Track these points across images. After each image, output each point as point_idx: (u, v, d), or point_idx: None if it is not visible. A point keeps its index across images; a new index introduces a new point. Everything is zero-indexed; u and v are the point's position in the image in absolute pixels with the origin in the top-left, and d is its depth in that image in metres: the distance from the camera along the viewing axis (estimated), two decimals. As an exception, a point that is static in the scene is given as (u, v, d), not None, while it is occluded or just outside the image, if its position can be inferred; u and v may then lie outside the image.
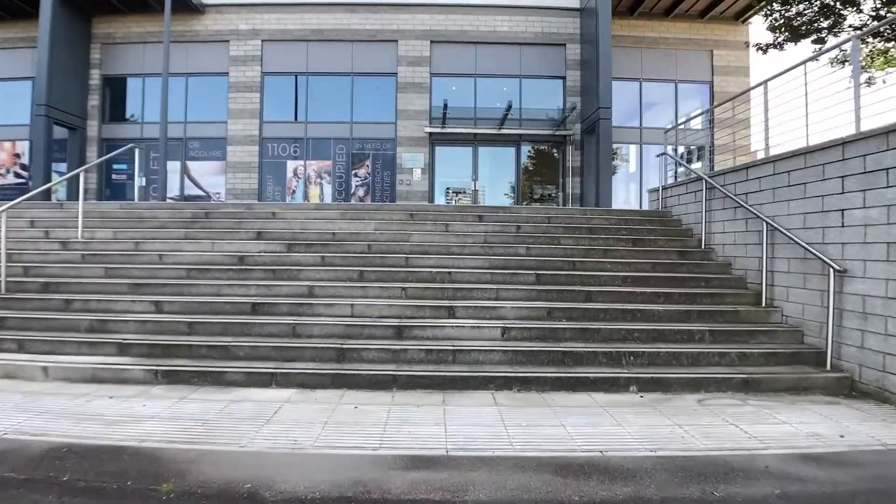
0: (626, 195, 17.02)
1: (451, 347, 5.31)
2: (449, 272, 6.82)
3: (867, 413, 4.56)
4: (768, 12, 11.52)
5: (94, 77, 16.51)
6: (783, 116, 6.97)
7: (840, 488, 3.12)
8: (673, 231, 8.58)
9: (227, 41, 16.08)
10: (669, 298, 6.59)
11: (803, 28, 10.36)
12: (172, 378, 4.96)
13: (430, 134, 15.93)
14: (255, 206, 8.98)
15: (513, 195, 16.51)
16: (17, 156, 16.64)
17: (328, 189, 15.94)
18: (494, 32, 16.22)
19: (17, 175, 16.56)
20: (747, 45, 16.03)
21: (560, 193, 16.60)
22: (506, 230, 8.22)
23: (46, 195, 14.78)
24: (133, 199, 13.95)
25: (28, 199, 7.43)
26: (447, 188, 16.45)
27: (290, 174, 16.03)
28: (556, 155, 16.89)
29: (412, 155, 15.88)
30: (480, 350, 5.30)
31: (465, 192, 16.43)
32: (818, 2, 10.27)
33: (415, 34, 16.07)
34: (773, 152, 6.98)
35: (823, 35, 10.48)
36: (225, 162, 15.93)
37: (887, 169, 4.96)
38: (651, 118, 16.85)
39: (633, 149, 17.12)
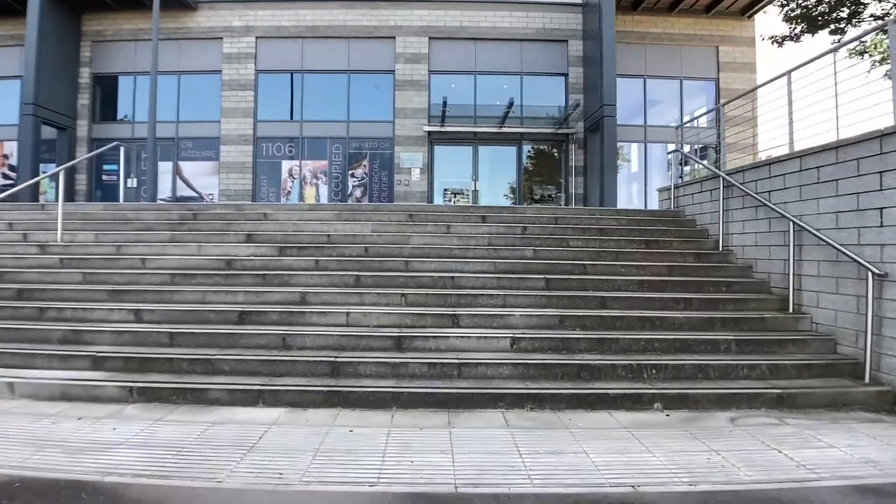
0: (628, 195, 16.56)
1: (456, 360, 4.83)
2: (452, 277, 6.35)
3: (921, 434, 4.11)
4: (784, 2, 11.08)
5: (84, 75, 16.05)
6: (808, 109, 6.53)
7: (920, 534, 2.66)
8: (687, 232, 8.13)
9: (221, 38, 15.63)
10: (690, 305, 6.13)
11: (821, 18, 9.91)
12: (149, 396, 4.49)
13: (429, 133, 15.47)
14: (245, 207, 8.51)
15: (514, 196, 16.05)
16: (6, 157, 16.15)
17: (324, 190, 15.47)
18: (495, 28, 15.79)
19: (5, 176, 16.06)
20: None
21: (562, 194, 16.14)
22: (511, 232, 7.76)
23: (34, 196, 14.35)
24: (119, 200, 13.39)
25: (3, 200, 6.94)
26: (445, 189, 15.96)
27: (285, 174, 15.56)
28: (558, 154, 16.45)
29: (410, 154, 15.43)
30: (488, 363, 4.83)
31: (463, 193, 15.93)
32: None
33: (413, 30, 15.62)
34: (795, 148, 6.55)
35: (842, 25, 10.04)
36: (218, 162, 15.47)
37: (937, 163, 4.51)
38: (655, 116, 16.44)
39: (636, 147, 16.65)
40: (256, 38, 15.58)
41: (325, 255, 6.90)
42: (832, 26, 10.31)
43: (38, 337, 5.31)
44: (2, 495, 2.93)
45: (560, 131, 15.77)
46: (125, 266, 6.69)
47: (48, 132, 15.21)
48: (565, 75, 16.07)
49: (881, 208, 5.02)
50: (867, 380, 4.96)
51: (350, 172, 15.62)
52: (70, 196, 15.45)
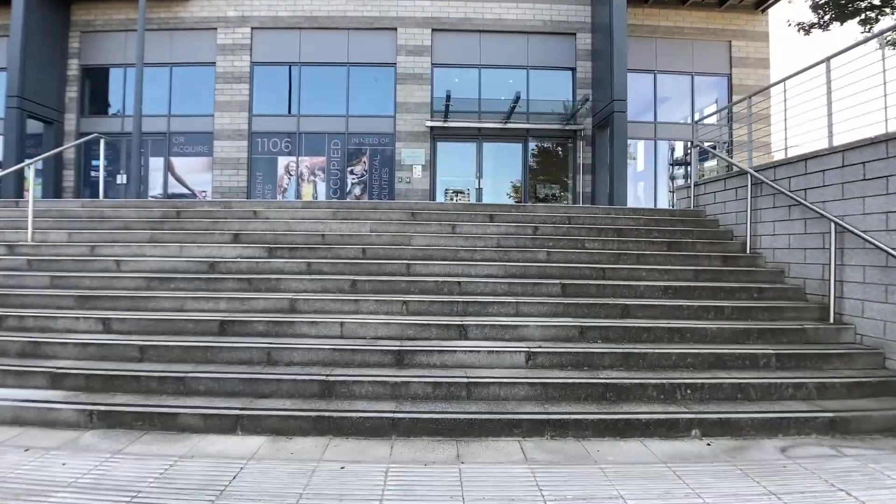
0: (634, 194, 15.94)
1: (465, 379, 4.24)
2: (458, 282, 5.75)
3: None
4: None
5: (73, 67, 15.41)
6: (845, 101, 5.95)
7: None
8: (711, 233, 7.53)
9: (215, 29, 15.00)
10: (720, 313, 5.53)
11: (850, 5, 9.31)
12: (111, 421, 3.89)
13: (432, 128, 14.86)
14: (234, 205, 7.90)
15: (518, 194, 15.43)
16: (-9, 152, 15.52)
17: (322, 187, 14.86)
18: (500, 20, 15.16)
19: (-10, 172, 15.43)
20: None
21: (569, 193, 15.54)
22: (521, 232, 7.15)
23: (19, 192, 13.74)
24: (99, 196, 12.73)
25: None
26: (446, 189, 15.32)
27: (281, 171, 14.94)
28: (564, 151, 15.84)
29: (412, 151, 14.82)
30: (501, 382, 4.23)
31: (464, 193, 15.29)
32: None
33: (415, 21, 15.00)
34: (835, 142, 5.95)
35: (874, 14, 9.45)
36: (211, 158, 14.84)
37: None
38: (665, 112, 15.83)
39: (642, 145, 16.04)
40: (252, 28, 14.96)
41: (319, 258, 6.30)
42: (862, 15, 9.70)
43: (-6, 349, 4.72)
44: None
45: (567, 127, 15.16)
46: (98, 269, 6.09)
47: (34, 126, 14.57)
48: (573, 69, 15.46)
49: (946, 208, 4.44)
50: (929, 401, 4.37)
51: (349, 169, 15.01)
52: (57, 193, 14.90)
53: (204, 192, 14.80)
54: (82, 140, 9.82)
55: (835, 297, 5.53)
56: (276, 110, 15.06)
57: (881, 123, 5.53)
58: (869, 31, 9.44)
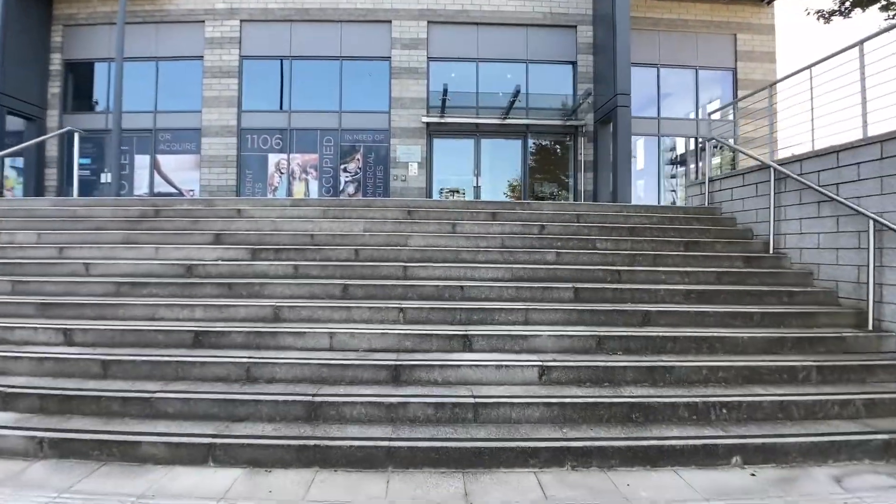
0: (634, 192, 15.44)
1: (471, 399, 3.71)
2: (460, 286, 5.22)
3: None
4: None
5: (55, 62, 14.81)
6: (878, 90, 5.47)
7: None
8: (729, 232, 7.04)
9: (202, 21, 14.42)
10: (749, 320, 5.03)
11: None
12: (63, 450, 3.36)
13: (428, 124, 14.32)
14: (217, 203, 7.34)
15: (517, 193, 14.89)
16: (-31, 150, 14.91)
17: (314, 185, 14.29)
18: (498, 12, 14.64)
19: (-32, 171, 14.84)
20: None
21: (569, 193, 15.02)
22: (527, 231, 6.63)
23: (-2, 192, 13.17)
24: (73, 195, 12.13)
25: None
26: (441, 189, 14.75)
27: (272, 169, 14.37)
28: (563, 149, 15.31)
29: (408, 147, 14.27)
30: (512, 402, 3.70)
31: (460, 193, 14.72)
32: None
33: (410, 14, 14.46)
34: (870, 132, 5.47)
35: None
36: (199, 155, 14.26)
37: None
38: (669, 108, 15.35)
39: (642, 142, 15.53)
40: (241, 21, 14.39)
41: (307, 260, 5.76)
42: (883, 1, 9.24)
43: (-60, 364, 4.17)
44: None
45: (568, 123, 14.65)
46: (65, 273, 5.54)
47: (15, 123, 13.97)
48: (574, 63, 14.95)
49: None
50: None
51: (342, 167, 14.45)
52: (39, 192, 14.32)
53: (192, 190, 14.22)
54: (54, 134, 9.20)
55: (873, 301, 5.04)
56: (266, 106, 14.49)
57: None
58: (893, 18, 8.96)
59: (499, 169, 15.22)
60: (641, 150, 15.77)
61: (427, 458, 3.27)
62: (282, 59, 14.57)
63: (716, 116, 10.21)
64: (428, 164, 14.49)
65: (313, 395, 3.68)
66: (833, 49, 6.22)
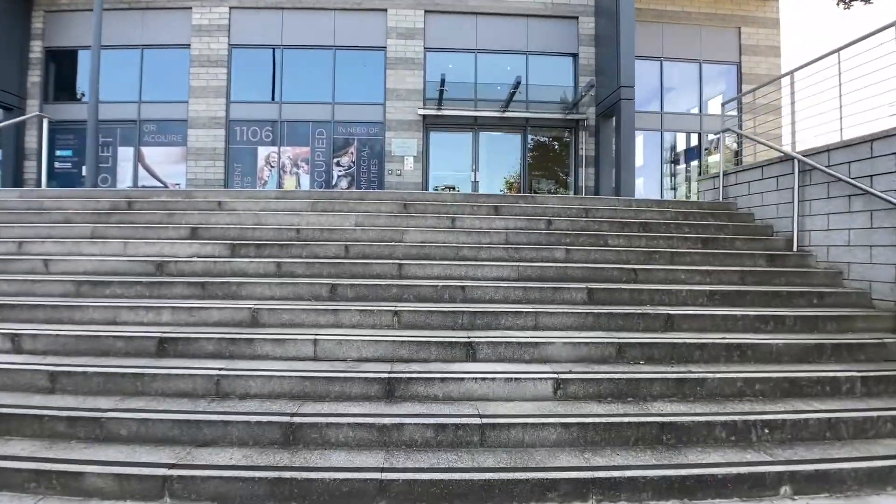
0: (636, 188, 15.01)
1: (477, 419, 3.19)
2: (462, 286, 4.69)
3: None
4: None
5: (36, 50, 14.17)
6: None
7: None
8: (748, 228, 6.55)
9: (189, 8, 13.80)
10: (781, 324, 4.54)
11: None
12: (-7, 481, 2.82)
13: (424, 117, 13.77)
14: (196, 195, 6.78)
15: (517, 188, 14.38)
16: (-56, 141, 14.26)
17: (306, 180, 13.71)
18: (498, 2, 14.10)
19: (-57, 162, 14.19)
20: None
21: (569, 190, 14.51)
22: (533, 226, 6.12)
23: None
24: (42, 185, 11.50)
25: None
26: (436, 186, 14.19)
27: (261, 162, 13.77)
28: (561, 145, 14.80)
29: (403, 141, 13.73)
30: (525, 423, 3.18)
31: (456, 190, 14.15)
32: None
33: (406, 2, 13.90)
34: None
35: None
36: (186, 148, 13.65)
37: None
38: (672, 102, 14.90)
39: (642, 137, 15.02)
40: (230, 7, 13.78)
41: (292, 257, 5.23)
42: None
43: None
44: None
45: (569, 117, 14.13)
46: (21, 270, 4.98)
47: (-8, 113, 13.38)
48: (575, 55, 14.44)
49: None
50: None
51: (335, 161, 13.88)
52: (18, 185, 13.67)
53: (177, 184, 13.61)
54: (19, 119, 8.66)
55: (916, 304, 4.57)
56: (256, 97, 13.89)
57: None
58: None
59: (497, 164, 14.70)
60: (640, 146, 15.30)
61: (426, 492, 2.75)
62: (273, 49, 13.98)
63: (731, 106, 9.74)
64: (424, 158, 13.95)
65: (292, 415, 3.15)
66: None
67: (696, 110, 14.99)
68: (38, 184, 13.83)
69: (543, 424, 3.16)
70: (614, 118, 12.99)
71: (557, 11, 14.37)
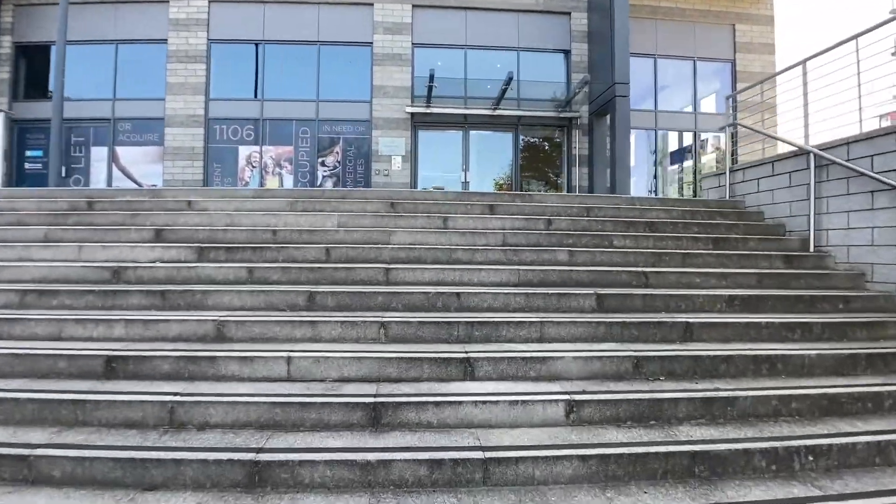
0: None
1: (479, 452, 2.70)
2: (457, 293, 4.20)
3: None
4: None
5: (5, 45, 13.50)
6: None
7: None
8: (759, 227, 6.15)
9: (166, 1, 13.21)
10: (808, 332, 4.11)
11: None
12: None
13: (412, 115, 13.28)
14: (165, 194, 6.23)
15: (508, 189, 13.93)
16: None
17: (289, 180, 13.15)
18: (488, -4, 13.69)
19: None
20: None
21: (561, 189, 14.09)
22: (532, 226, 5.66)
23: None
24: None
25: None
26: (423, 188, 13.66)
27: (242, 162, 13.20)
28: (558, 141, 14.38)
29: (391, 140, 13.22)
30: (535, 455, 2.70)
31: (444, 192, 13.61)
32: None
33: (394, -5, 13.44)
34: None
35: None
36: (163, 147, 13.04)
37: None
38: (666, 100, 14.57)
39: (633, 136, 14.66)
40: (209, 1, 13.22)
41: (266, 261, 4.72)
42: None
43: None
44: None
45: (562, 115, 13.72)
46: (-41, 278, 4.43)
47: (-44, 112, 12.68)
48: (567, 52, 14.05)
49: None
50: None
51: (320, 160, 13.34)
52: (-16, 187, 12.99)
53: (154, 185, 12.99)
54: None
55: (954, 309, 4.16)
56: (236, 94, 13.30)
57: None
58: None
59: (488, 163, 14.25)
60: (633, 145, 14.95)
61: (419, 546, 2.26)
62: (254, 44, 13.42)
63: (741, 98, 9.39)
64: (412, 157, 13.46)
65: (259, 450, 2.64)
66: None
67: (690, 108, 14.69)
68: (9, 184, 13.21)
69: (557, 457, 2.68)
70: (609, 116, 12.60)
71: (549, 7, 13.97)
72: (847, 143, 5.37)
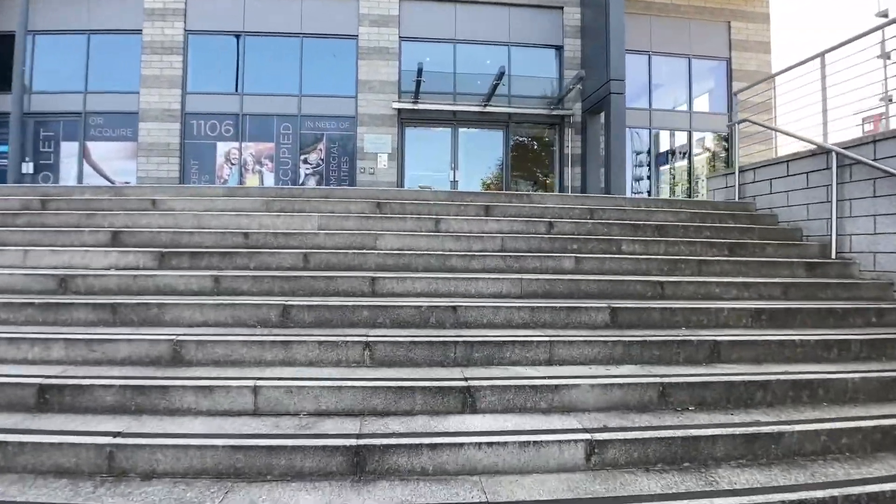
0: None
1: (485, 508, 2.21)
2: (453, 307, 3.69)
3: None
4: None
5: (-34, 35, 12.74)
6: None
7: None
8: (774, 232, 5.74)
9: (141, -11, 12.58)
10: (846, 350, 3.68)
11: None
12: None
13: (399, 111, 12.76)
14: (127, 192, 5.66)
15: (498, 189, 13.46)
16: None
17: (270, 178, 12.55)
18: (478, -11, 13.21)
19: None
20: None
21: (553, 189, 13.66)
22: (532, 230, 5.17)
23: None
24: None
25: None
26: (409, 188, 13.14)
27: (220, 159, 12.57)
28: (549, 140, 13.96)
29: (376, 137, 12.68)
30: (553, 512, 2.22)
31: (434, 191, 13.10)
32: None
33: (380, -13, 12.90)
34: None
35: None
36: (136, 143, 12.38)
37: None
38: (660, 98, 14.24)
39: (627, 135, 14.33)
40: (186, -10, 12.60)
41: (235, 269, 4.18)
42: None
43: None
44: None
45: (554, 112, 13.30)
46: None
47: (-86, 104, 11.92)
48: (559, 48, 13.62)
49: None
50: None
51: (302, 158, 12.76)
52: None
53: (127, 182, 12.33)
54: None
55: None
56: (215, 87, 12.67)
57: None
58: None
59: (478, 162, 13.80)
60: (627, 144, 14.58)
61: None
62: (234, 35, 12.80)
63: (749, 94, 8.98)
64: (399, 155, 12.93)
65: (213, 511, 2.13)
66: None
67: (685, 107, 14.36)
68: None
69: (579, 515, 2.20)
70: (603, 114, 12.19)
71: (541, 1, 13.54)
72: (874, 140, 4.97)
